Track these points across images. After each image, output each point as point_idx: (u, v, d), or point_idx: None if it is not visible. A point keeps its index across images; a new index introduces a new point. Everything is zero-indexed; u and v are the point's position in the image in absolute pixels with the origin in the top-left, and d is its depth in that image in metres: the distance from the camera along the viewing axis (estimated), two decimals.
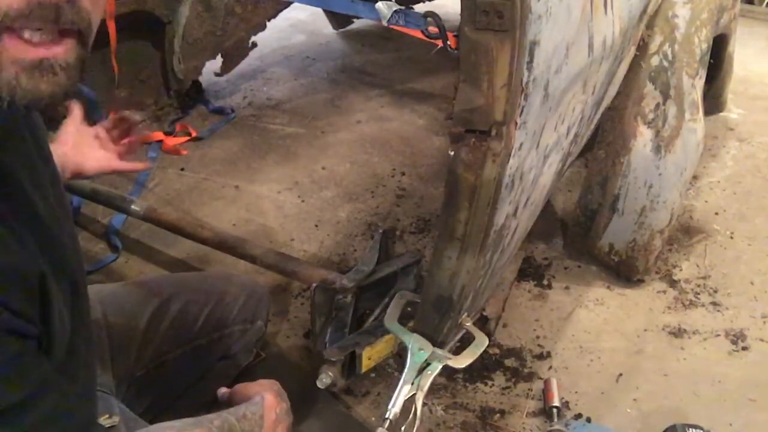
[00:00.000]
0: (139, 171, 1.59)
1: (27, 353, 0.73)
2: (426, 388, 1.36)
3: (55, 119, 2.59)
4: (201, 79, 3.11)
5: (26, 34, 0.63)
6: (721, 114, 3.00)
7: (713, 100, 2.87)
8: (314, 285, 1.61)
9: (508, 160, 1.13)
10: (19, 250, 0.73)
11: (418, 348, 1.39)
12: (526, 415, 1.65)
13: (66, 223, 0.89)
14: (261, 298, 1.55)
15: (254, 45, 3.13)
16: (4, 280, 0.70)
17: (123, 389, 1.30)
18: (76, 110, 1.48)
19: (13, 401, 0.70)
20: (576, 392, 1.71)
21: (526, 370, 1.77)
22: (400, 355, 1.62)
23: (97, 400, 1.06)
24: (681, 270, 2.12)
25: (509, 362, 1.79)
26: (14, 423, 0.70)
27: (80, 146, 1.43)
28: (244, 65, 3.28)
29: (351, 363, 1.54)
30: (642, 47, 1.95)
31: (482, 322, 1.77)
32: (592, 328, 1.92)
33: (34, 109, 0.65)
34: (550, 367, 1.79)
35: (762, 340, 1.88)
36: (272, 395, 1.18)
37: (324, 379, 1.48)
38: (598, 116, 1.88)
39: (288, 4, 3.20)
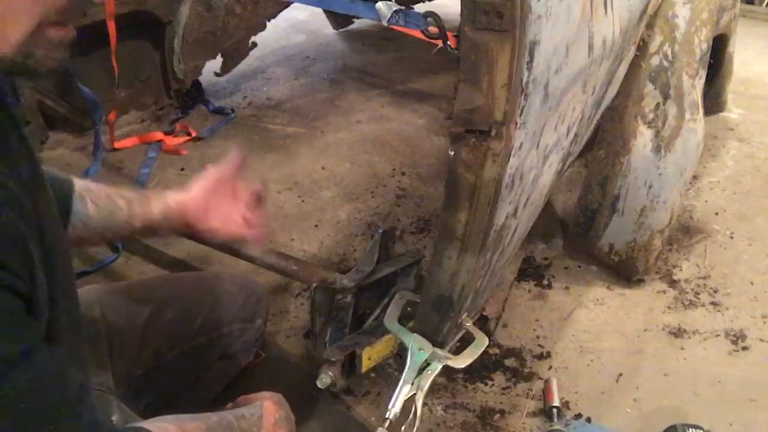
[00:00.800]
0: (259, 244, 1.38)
1: (20, 310, 0.74)
2: (426, 388, 1.36)
3: (54, 119, 2.60)
4: (201, 79, 3.10)
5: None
6: (721, 114, 3.00)
7: (713, 100, 2.87)
8: (314, 285, 1.61)
9: (508, 160, 1.13)
10: (11, 210, 0.74)
11: (418, 348, 1.39)
12: (526, 415, 1.65)
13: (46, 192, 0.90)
14: (260, 297, 1.55)
15: (254, 45, 3.13)
16: (2, 237, 0.72)
17: (122, 388, 1.30)
18: (232, 163, 1.32)
19: (7, 353, 0.70)
20: (576, 392, 1.71)
21: (526, 370, 1.77)
22: (400, 355, 1.61)
23: (90, 381, 1.05)
24: (681, 270, 2.12)
25: (509, 362, 1.79)
26: (8, 378, 0.70)
27: (207, 200, 1.27)
28: (244, 65, 3.28)
29: (351, 363, 1.54)
30: (642, 47, 1.95)
31: (482, 322, 1.77)
32: (592, 328, 1.92)
33: (49, 74, 0.81)
34: (550, 367, 1.79)
35: (762, 340, 1.88)
36: (271, 402, 1.19)
37: (324, 379, 1.48)
38: (598, 116, 1.88)
39: (288, 4, 3.19)
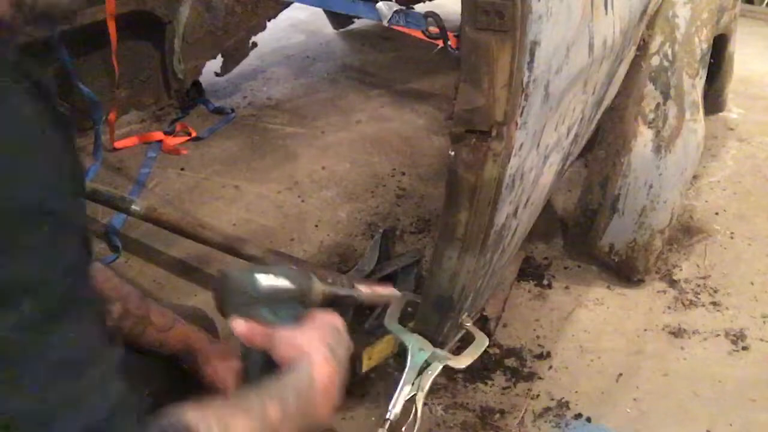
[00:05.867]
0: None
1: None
2: (426, 388, 1.35)
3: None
4: (201, 79, 3.10)
5: None
6: (721, 114, 3.00)
7: (713, 100, 2.86)
8: None
9: (509, 160, 1.13)
10: None
11: (418, 348, 1.39)
12: (526, 415, 1.65)
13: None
14: (212, 327, 1.37)
15: (254, 45, 3.13)
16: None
17: None
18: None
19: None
20: (576, 392, 1.71)
21: (526, 370, 1.77)
22: (400, 355, 1.61)
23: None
24: (681, 270, 2.12)
25: (509, 362, 1.79)
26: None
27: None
28: (244, 65, 3.28)
29: (351, 363, 1.54)
30: (642, 47, 1.95)
31: (482, 322, 1.77)
32: (592, 328, 1.92)
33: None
34: (550, 367, 1.79)
35: (762, 340, 1.88)
36: (321, 358, 1.00)
37: None
38: (598, 116, 1.88)
39: (288, 4, 3.19)
